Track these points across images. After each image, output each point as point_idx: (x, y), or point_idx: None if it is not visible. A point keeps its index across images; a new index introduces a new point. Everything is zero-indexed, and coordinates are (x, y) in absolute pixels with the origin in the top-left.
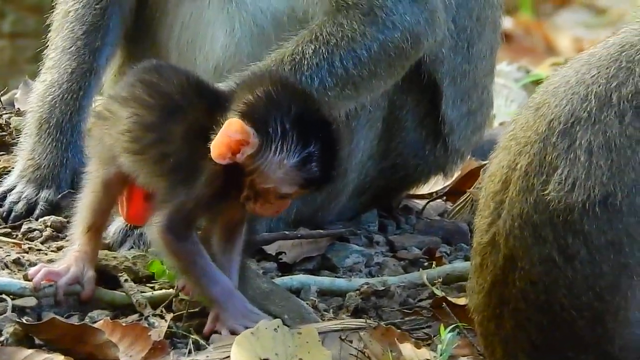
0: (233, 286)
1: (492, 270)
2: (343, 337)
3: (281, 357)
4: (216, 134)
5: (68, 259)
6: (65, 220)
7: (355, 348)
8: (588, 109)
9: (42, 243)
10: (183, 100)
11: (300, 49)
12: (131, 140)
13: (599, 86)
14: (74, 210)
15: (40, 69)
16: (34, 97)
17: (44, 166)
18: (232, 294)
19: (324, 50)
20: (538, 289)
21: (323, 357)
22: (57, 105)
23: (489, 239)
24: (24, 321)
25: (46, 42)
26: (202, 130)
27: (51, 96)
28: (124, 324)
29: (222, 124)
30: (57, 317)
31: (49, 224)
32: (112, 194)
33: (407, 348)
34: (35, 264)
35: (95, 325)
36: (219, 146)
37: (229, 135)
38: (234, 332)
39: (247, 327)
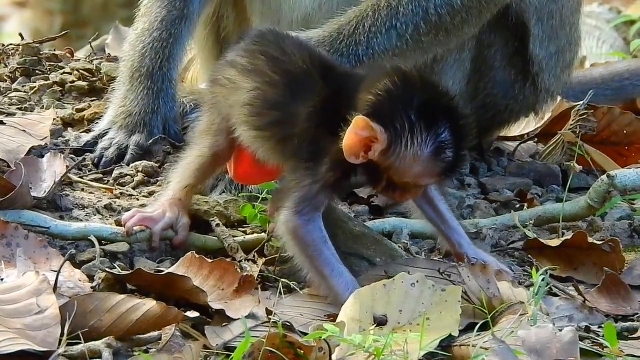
0: (353, 279)
1: None
2: (441, 271)
3: (406, 313)
4: (341, 126)
5: (161, 204)
6: (156, 165)
7: (452, 281)
8: None
9: (133, 188)
10: (307, 81)
11: None
12: (252, 114)
13: None
14: (170, 162)
15: (134, 14)
16: (126, 46)
17: (135, 113)
18: (355, 287)
19: None
20: None
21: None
22: (147, 53)
23: None
24: (116, 266)
25: None
26: (327, 115)
27: (141, 44)
28: (209, 260)
29: (349, 120)
30: (143, 268)
31: (140, 169)
32: (219, 161)
33: (504, 286)
34: (127, 209)
35: (181, 273)
36: (349, 145)
37: (356, 132)
38: None
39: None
